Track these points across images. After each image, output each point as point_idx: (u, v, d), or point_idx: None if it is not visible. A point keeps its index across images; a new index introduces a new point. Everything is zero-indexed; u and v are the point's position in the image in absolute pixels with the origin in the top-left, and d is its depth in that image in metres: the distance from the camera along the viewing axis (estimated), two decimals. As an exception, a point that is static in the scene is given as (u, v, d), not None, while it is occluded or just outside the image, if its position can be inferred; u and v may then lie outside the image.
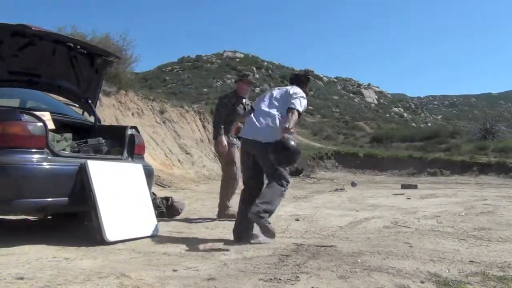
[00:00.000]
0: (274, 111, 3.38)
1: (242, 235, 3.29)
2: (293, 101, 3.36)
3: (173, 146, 13.84)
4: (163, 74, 73.43)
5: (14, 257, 2.55)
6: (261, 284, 2.05)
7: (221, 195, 4.70)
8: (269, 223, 3.11)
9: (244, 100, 4.85)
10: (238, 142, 4.57)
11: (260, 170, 3.39)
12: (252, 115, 3.51)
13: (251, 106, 3.78)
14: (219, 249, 2.94)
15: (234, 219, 3.54)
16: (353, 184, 12.07)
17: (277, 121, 3.31)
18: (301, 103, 3.39)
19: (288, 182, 3.31)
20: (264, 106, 3.47)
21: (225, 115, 4.69)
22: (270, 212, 3.15)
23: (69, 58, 3.85)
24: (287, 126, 3.19)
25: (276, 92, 3.59)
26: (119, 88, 13.12)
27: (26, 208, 3.09)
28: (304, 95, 3.54)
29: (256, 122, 3.38)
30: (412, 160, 20.19)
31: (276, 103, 3.45)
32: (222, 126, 4.63)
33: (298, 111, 3.31)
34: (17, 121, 2.95)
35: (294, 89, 3.52)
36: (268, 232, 3.09)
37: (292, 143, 3.12)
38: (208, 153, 14.73)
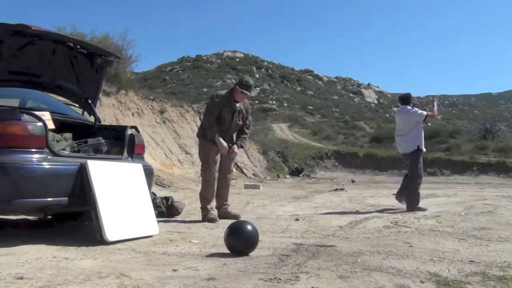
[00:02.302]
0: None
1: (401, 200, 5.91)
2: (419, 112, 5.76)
3: (173, 146, 13.85)
4: (163, 74, 73.55)
5: (14, 257, 2.55)
6: (261, 284, 2.05)
7: (200, 199, 4.62)
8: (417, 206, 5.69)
9: (237, 105, 4.60)
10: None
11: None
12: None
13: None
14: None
15: (216, 222, 4.32)
16: (352, 181, 14.56)
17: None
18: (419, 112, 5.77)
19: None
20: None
21: (215, 116, 4.52)
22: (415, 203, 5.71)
23: (69, 58, 3.84)
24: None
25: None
26: (119, 88, 13.12)
27: (26, 208, 3.09)
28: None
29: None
30: (412, 160, 20.13)
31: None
32: (214, 128, 4.50)
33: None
34: (17, 121, 2.94)
35: (410, 108, 5.81)
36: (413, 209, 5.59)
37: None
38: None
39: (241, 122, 4.72)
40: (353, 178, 16.91)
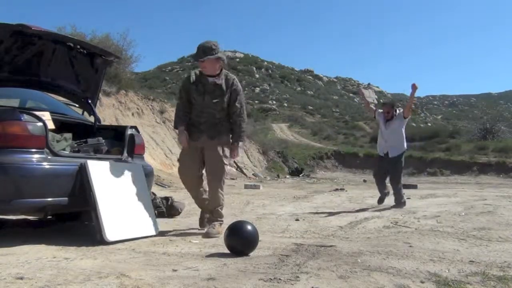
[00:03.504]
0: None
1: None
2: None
3: (173, 146, 13.85)
4: (163, 74, 73.60)
5: (14, 257, 2.55)
6: (261, 284, 2.05)
7: None
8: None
9: (211, 79, 3.57)
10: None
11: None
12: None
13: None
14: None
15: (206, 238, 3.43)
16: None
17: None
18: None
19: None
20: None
21: (186, 101, 3.65)
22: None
23: (69, 58, 3.84)
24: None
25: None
26: (119, 88, 13.14)
27: (26, 208, 3.09)
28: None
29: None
30: (412, 160, 20.18)
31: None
32: (184, 114, 3.64)
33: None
34: (17, 121, 2.94)
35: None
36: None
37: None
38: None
39: (216, 100, 3.57)
40: (358, 179, 16.99)
